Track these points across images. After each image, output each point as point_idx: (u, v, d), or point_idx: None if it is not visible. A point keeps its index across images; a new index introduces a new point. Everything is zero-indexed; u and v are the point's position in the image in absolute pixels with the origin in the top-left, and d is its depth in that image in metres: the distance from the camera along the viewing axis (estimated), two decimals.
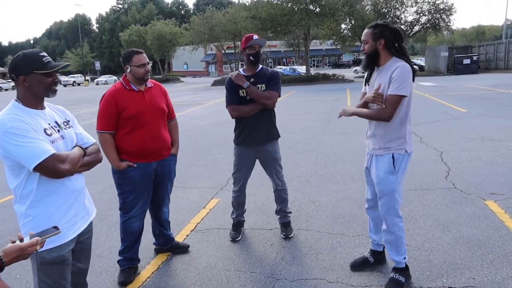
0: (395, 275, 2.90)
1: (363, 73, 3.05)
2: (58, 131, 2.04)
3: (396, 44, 2.76)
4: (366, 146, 3.04)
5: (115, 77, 55.79)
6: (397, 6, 32.92)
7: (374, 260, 3.18)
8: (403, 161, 2.82)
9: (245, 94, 3.51)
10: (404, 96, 2.67)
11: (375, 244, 3.20)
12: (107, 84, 51.16)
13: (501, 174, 5.29)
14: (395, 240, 2.89)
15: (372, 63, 2.83)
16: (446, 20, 32.93)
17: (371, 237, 3.23)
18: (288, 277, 3.09)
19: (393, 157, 2.80)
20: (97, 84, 53.54)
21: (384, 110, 2.70)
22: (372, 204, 3.11)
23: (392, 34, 2.74)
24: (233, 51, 42.80)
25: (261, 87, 3.53)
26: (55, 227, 1.61)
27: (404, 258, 2.92)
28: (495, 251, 3.28)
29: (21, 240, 1.49)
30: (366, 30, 2.81)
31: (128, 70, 3.06)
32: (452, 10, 32.34)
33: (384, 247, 3.16)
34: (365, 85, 3.01)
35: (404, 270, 2.92)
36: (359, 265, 3.16)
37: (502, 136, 7.66)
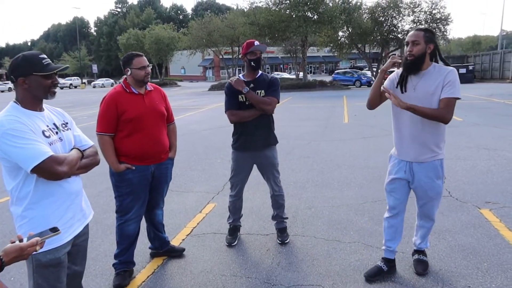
0: (420, 256, 3.20)
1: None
2: (57, 133, 2.04)
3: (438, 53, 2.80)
4: (398, 154, 2.98)
5: (112, 80, 55.76)
6: (395, 15, 33.17)
7: (388, 269, 3.13)
8: (443, 165, 2.95)
9: (244, 99, 3.52)
10: (459, 99, 2.73)
11: (389, 252, 3.16)
12: (104, 87, 51.15)
13: (496, 183, 5.32)
14: (430, 229, 3.15)
15: (419, 66, 2.76)
16: (443, 30, 33.21)
17: (385, 245, 3.17)
18: (283, 283, 3.09)
19: (440, 163, 2.90)
20: (94, 87, 53.48)
21: (447, 112, 2.70)
22: (395, 212, 3.08)
23: (436, 41, 2.78)
24: (230, 56, 42.91)
25: (261, 92, 3.54)
26: (54, 229, 1.60)
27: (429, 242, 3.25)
28: (490, 260, 3.30)
29: (21, 240, 1.49)
30: (416, 32, 2.74)
31: (129, 73, 3.07)
32: (449, 20, 32.63)
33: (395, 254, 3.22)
34: (399, 87, 2.86)
35: (425, 252, 3.25)
36: (374, 275, 3.09)
37: (497, 145, 7.72)
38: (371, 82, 29.61)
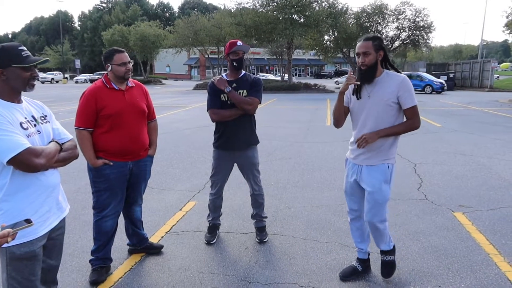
0: (387, 257, 3.12)
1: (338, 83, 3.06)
2: (35, 125, 2.02)
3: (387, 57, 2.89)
4: (352, 158, 3.04)
5: (97, 76, 55.00)
6: (379, 21, 33.69)
7: (362, 269, 3.20)
8: (393, 170, 2.96)
9: (226, 99, 3.55)
10: (419, 125, 2.89)
11: (362, 253, 3.22)
12: (87, 82, 50.36)
13: (470, 188, 5.48)
14: (383, 233, 3.04)
15: (373, 75, 2.82)
16: (425, 37, 33.92)
17: (357, 247, 3.24)
18: (260, 281, 3.13)
19: (388, 166, 2.90)
20: (76, 82, 52.58)
21: (416, 120, 2.85)
22: (358, 214, 3.14)
23: (385, 48, 2.86)
24: (216, 56, 42.86)
25: (243, 92, 3.57)
26: (28, 220, 1.60)
27: (391, 242, 3.13)
28: (461, 261, 3.41)
29: None
30: (365, 43, 2.78)
31: (109, 68, 3.06)
32: (431, 28, 33.34)
33: (369, 254, 3.25)
34: (356, 95, 2.93)
35: (392, 251, 3.14)
36: (349, 275, 3.15)
37: (473, 151, 7.93)
38: (445, 87, 28.26)
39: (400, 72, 2.90)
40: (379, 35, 2.96)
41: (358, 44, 2.83)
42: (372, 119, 2.87)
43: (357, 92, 2.93)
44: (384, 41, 27.53)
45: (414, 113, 2.84)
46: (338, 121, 3.08)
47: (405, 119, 2.91)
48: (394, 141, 2.94)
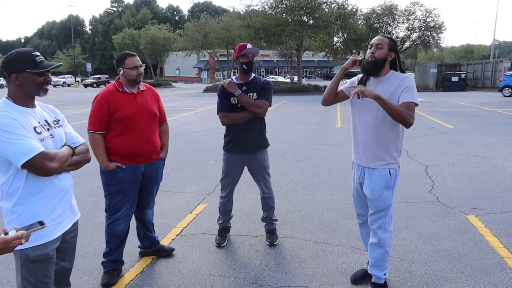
0: None
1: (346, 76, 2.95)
2: (48, 129, 2.05)
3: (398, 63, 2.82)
4: (355, 159, 2.98)
5: (90, 80, 55.65)
6: (389, 22, 33.52)
7: None
8: (397, 175, 2.83)
9: (236, 102, 3.56)
10: (417, 105, 2.70)
11: None
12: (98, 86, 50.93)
13: (483, 190, 5.41)
14: (382, 255, 2.89)
15: (377, 70, 2.75)
16: (436, 38, 33.65)
17: (367, 250, 3.18)
18: (271, 284, 3.12)
19: (389, 172, 2.79)
20: (86, 86, 53.15)
21: (409, 115, 2.60)
22: (365, 219, 3.08)
23: (398, 52, 2.81)
24: (226, 58, 42.95)
25: (253, 95, 3.58)
26: (41, 222, 1.62)
27: (385, 274, 2.94)
28: (474, 264, 3.36)
29: (6, 233, 1.50)
30: (382, 37, 2.76)
31: (121, 72, 3.09)
32: (442, 28, 33.08)
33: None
34: (358, 97, 2.82)
35: (382, 287, 2.96)
36: (360, 278, 3.11)
37: (486, 152, 7.83)
38: None
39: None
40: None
41: (375, 38, 2.79)
42: (372, 119, 2.78)
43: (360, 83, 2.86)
44: None
45: (409, 108, 2.63)
46: (327, 97, 2.99)
47: (401, 126, 2.78)
48: (397, 144, 2.81)
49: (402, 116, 2.60)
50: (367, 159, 2.85)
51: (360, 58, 2.76)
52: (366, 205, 3.01)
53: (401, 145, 2.85)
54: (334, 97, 2.99)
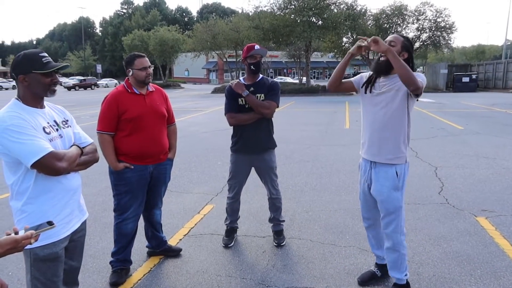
0: None
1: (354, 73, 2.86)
2: (57, 130, 2.08)
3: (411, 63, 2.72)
4: (363, 153, 2.92)
5: (116, 81, 55.83)
6: (399, 22, 33.31)
7: (381, 274, 3.14)
8: (405, 173, 2.77)
9: (244, 103, 3.57)
10: (421, 88, 2.54)
11: (380, 259, 3.16)
12: (108, 87, 51.17)
13: (493, 192, 5.34)
14: (398, 257, 2.87)
15: (388, 68, 2.67)
16: (447, 38, 33.35)
17: (374, 253, 3.19)
18: (278, 284, 3.12)
19: (396, 172, 2.74)
20: (98, 86, 53.55)
21: (417, 79, 2.50)
22: (371, 223, 3.06)
23: (412, 53, 2.75)
24: (234, 59, 43.04)
25: (260, 96, 3.58)
26: (50, 222, 1.64)
27: (406, 275, 2.91)
28: (484, 267, 3.32)
29: (16, 233, 1.52)
30: (395, 36, 2.72)
31: (130, 73, 3.12)
32: (453, 28, 32.78)
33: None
34: (366, 88, 2.83)
35: (404, 287, 2.93)
36: (367, 280, 3.10)
37: (496, 154, 7.74)
38: None
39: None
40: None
41: (390, 36, 2.75)
42: (381, 113, 2.74)
43: (367, 86, 2.82)
44: None
45: (420, 80, 2.56)
46: (332, 82, 2.89)
47: (408, 116, 2.73)
48: (404, 137, 2.75)
49: (412, 77, 2.47)
50: (373, 153, 2.82)
51: (365, 44, 2.61)
52: (372, 208, 2.98)
53: (408, 138, 2.81)
54: (340, 84, 2.91)
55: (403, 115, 2.73)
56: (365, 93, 2.84)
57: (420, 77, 2.61)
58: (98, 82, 52.15)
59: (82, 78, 51.80)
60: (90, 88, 48.14)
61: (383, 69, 2.72)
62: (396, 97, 2.70)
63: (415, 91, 2.57)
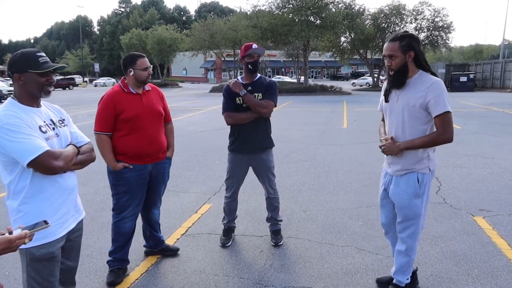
0: None
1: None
2: (53, 129, 2.07)
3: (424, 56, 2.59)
4: (385, 165, 2.87)
5: (113, 80, 55.70)
6: (397, 22, 33.37)
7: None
8: (427, 181, 2.66)
9: (241, 102, 3.56)
10: (451, 112, 2.49)
11: None
12: (106, 86, 51.03)
13: (491, 191, 5.36)
14: (407, 262, 2.82)
15: (403, 79, 2.57)
16: (445, 38, 33.47)
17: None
18: (275, 284, 3.12)
19: (417, 178, 2.63)
20: (95, 85, 53.49)
21: (445, 131, 2.48)
22: (390, 229, 2.96)
23: (418, 44, 2.57)
24: (232, 58, 43.06)
25: (258, 96, 3.57)
26: (45, 221, 1.63)
27: (407, 279, 2.88)
28: (481, 267, 3.33)
29: (10, 233, 1.51)
30: (391, 44, 2.52)
31: (131, 73, 3.10)
32: (451, 28, 32.87)
33: (416, 268, 3.03)
34: (386, 101, 2.76)
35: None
36: (385, 283, 3.02)
37: (494, 153, 7.76)
38: None
39: (435, 74, 2.59)
40: (406, 32, 2.65)
41: (385, 45, 2.59)
42: (399, 126, 2.64)
43: (386, 94, 2.74)
44: None
45: (444, 122, 2.47)
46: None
47: (428, 131, 2.61)
48: (425, 148, 2.63)
49: (435, 142, 2.55)
50: (395, 167, 2.71)
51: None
52: (388, 214, 2.90)
53: (431, 148, 2.65)
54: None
55: (420, 124, 2.60)
56: (385, 102, 2.78)
57: (444, 104, 2.47)
58: (95, 81, 51.02)
59: (60, 77, 47.86)
60: (68, 88, 44.80)
61: (397, 81, 2.61)
62: (412, 113, 2.58)
63: (450, 142, 2.54)
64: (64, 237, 2.10)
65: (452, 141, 2.54)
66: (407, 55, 2.52)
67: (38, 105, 2.06)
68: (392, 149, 2.63)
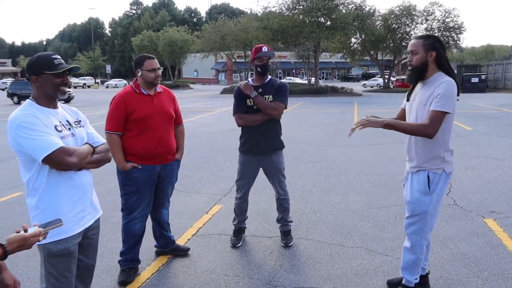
0: None
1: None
2: (69, 129, 2.14)
3: (446, 59, 2.64)
4: (407, 163, 2.88)
5: (125, 81, 56.23)
6: (408, 22, 33.14)
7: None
8: (439, 181, 2.67)
9: (252, 104, 3.60)
10: (448, 113, 2.53)
11: (422, 269, 3.02)
12: (117, 87, 51.56)
13: (502, 193, 5.31)
14: (414, 260, 2.81)
15: (420, 76, 2.65)
16: (456, 38, 33.10)
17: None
18: (285, 285, 3.14)
19: (428, 177, 2.67)
20: (107, 87, 54.04)
21: (428, 125, 2.51)
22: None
23: (443, 48, 2.63)
24: (243, 60, 43.15)
25: (269, 97, 3.61)
26: (59, 220, 1.68)
27: (416, 279, 2.87)
28: (491, 269, 3.32)
29: (25, 230, 1.57)
30: (415, 41, 2.63)
31: (139, 74, 3.16)
32: (462, 28, 32.52)
33: (428, 272, 3.04)
34: (407, 100, 2.83)
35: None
36: (395, 285, 3.02)
37: (506, 155, 7.68)
38: None
39: (453, 75, 2.62)
40: (432, 34, 2.69)
41: (410, 42, 2.68)
42: (412, 119, 2.71)
43: (407, 95, 2.80)
44: None
45: (434, 118, 2.52)
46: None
47: (441, 131, 2.58)
48: (438, 148, 2.64)
49: (417, 131, 2.58)
50: (410, 165, 2.78)
51: (357, 128, 2.65)
52: None
53: (445, 149, 2.67)
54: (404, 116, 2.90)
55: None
56: (406, 100, 2.83)
57: (443, 103, 2.50)
58: (107, 83, 51.68)
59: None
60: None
61: (413, 77, 2.70)
62: (424, 110, 2.61)
63: (428, 137, 2.56)
64: (80, 234, 2.16)
65: (432, 138, 2.56)
66: (428, 54, 2.59)
67: (55, 106, 2.12)
68: (376, 121, 2.62)
